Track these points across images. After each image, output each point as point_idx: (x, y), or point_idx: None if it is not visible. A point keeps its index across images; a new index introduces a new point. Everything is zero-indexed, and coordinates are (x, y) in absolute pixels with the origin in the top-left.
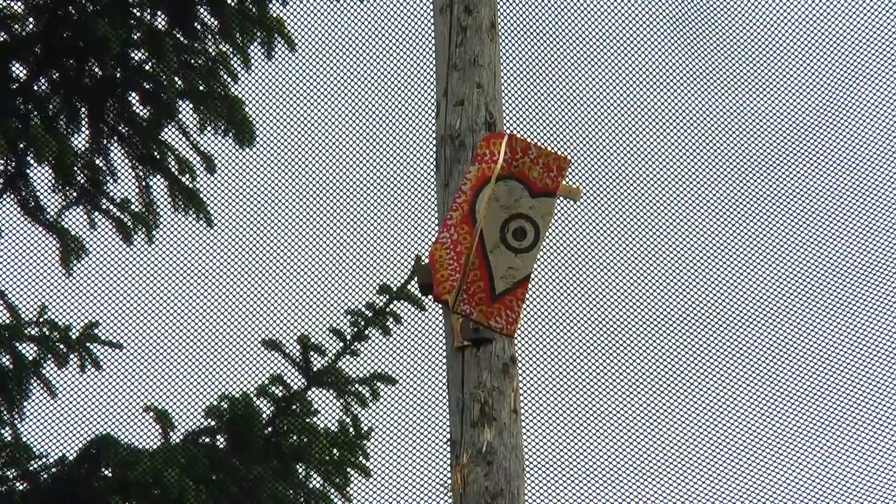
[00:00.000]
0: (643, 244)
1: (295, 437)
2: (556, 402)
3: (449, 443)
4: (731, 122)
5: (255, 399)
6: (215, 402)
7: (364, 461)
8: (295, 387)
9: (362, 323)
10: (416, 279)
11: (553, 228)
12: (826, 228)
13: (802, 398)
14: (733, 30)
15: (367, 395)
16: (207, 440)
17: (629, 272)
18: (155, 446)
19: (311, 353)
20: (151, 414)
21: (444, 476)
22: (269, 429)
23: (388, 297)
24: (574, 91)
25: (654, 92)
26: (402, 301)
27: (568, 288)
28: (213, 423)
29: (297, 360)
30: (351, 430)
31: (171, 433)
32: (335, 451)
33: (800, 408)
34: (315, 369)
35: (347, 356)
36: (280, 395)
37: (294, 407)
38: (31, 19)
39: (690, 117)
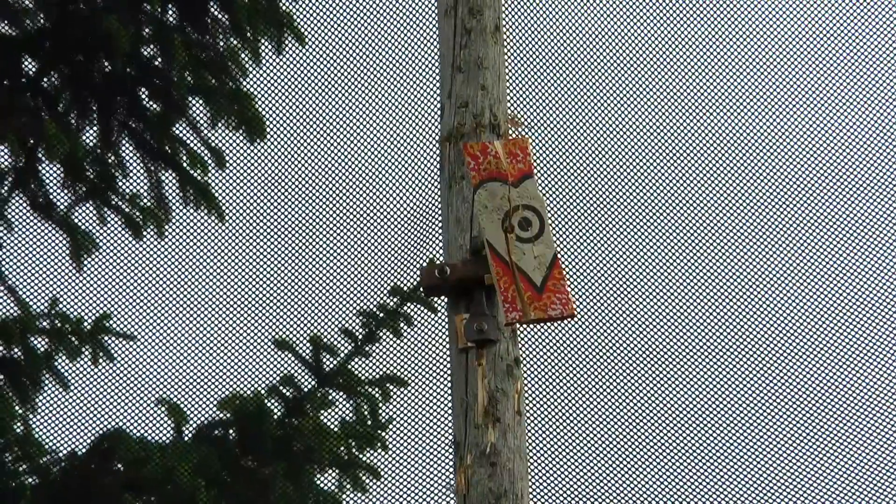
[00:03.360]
0: (649, 248)
1: (306, 438)
2: (560, 403)
3: (453, 444)
4: (739, 123)
5: (266, 398)
6: (228, 396)
7: (382, 451)
8: (305, 387)
9: (374, 324)
10: (421, 281)
11: (559, 232)
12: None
13: (805, 401)
14: (740, 29)
15: (378, 396)
16: (220, 433)
17: (635, 273)
18: (168, 440)
19: (323, 353)
20: (164, 407)
21: (448, 477)
22: (280, 431)
23: (399, 298)
24: (580, 93)
25: (662, 94)
26: (413, 303)
27: (572, 288)
28: (227, 415)
29: (309, 360)
30: (368, 420)
31: (185, 426)
32: (352, 441)
33: (802, 407)
34: (326, 370)
35: (359, 358)
36: (290, 395)
37: (306, 407)
38: (41, 15)
39: (698, 120)
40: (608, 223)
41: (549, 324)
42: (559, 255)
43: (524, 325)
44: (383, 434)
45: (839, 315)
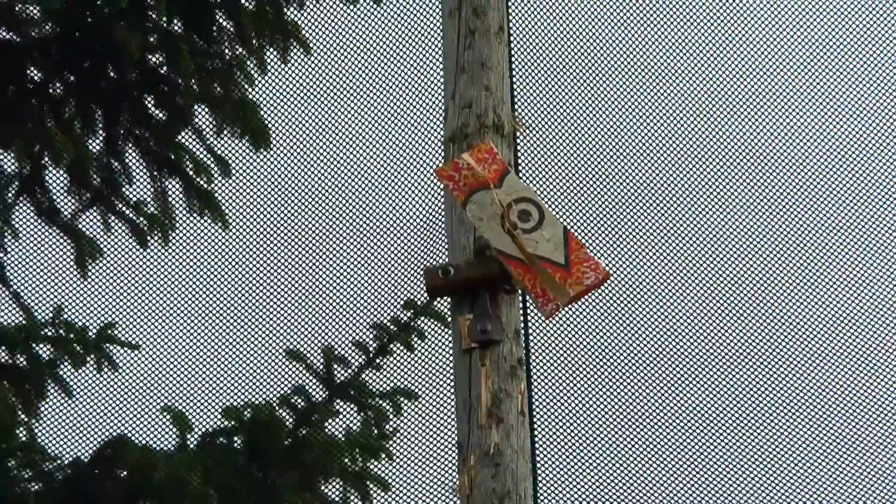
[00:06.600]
0: (653, 254)
1: (316, 449)
2: (564, 403)
3: (456, 445)
4: (742, 115)
5: (277, 408)
6: (236, 406)
7: (387, 462)
8: (316, 398)
9: (386, 337)
10: (425, 282)
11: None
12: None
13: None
14: (747, 37)
15: (389, 409)
16: (223, 441)
17: (640, 271)
18: (172, 448)
19: (335, 364)
20: (168, 415)
21: (452, 479)
22: (290, 440)
23: (412, 312)
24: (584, 93)
25: (664, 93)
26: (426, 318)
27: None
28: (231, 423)
29: (320, 371)
30: (374, 431)
31: (189, 435)
32: (357, 451)
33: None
34: (337, 382)
35: (370, 370)
36: (301, 405)
37: (315, 418)
38: (46, 24)
39: (703, 123)
40: (615, 222)
41: (592, 293)
42: (568, 229)
43: (544, 318)
44: (387, 445)
45: (843, 306)
